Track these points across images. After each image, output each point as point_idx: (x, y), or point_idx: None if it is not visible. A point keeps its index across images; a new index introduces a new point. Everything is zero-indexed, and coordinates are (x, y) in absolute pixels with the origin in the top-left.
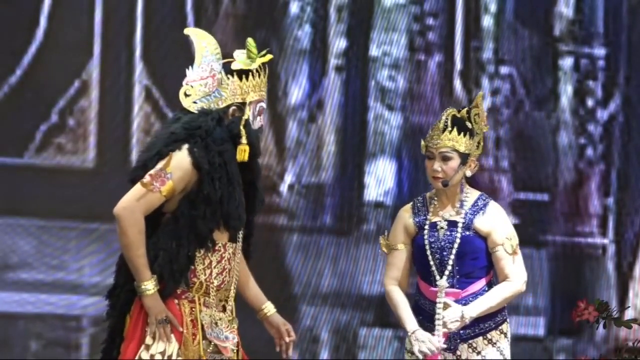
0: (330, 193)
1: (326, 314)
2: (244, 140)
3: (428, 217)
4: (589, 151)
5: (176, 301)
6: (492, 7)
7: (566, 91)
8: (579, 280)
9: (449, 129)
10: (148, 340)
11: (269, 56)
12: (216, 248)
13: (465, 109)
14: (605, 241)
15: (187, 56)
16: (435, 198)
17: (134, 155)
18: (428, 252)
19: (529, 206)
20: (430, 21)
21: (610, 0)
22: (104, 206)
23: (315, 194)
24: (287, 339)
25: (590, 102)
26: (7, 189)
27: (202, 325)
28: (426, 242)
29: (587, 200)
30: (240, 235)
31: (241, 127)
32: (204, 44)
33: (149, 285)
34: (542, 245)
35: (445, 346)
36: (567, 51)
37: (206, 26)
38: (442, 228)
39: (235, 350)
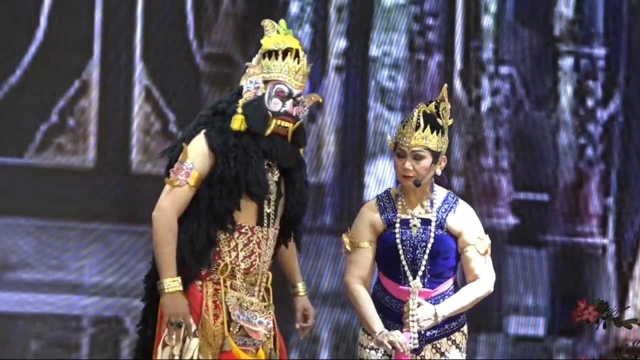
0: (330, 193)
1: (326, 314)
2: (239, 109)
3: (397, 214)
4: (589, 151)
5: (199, 282)
6: (492, 7)
7: (566, 91)
8: (579, 280)
9: (422, 126)
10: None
11: (294, 40)
12: (242, 231)
13: (433, 103)
14: (605, 241)
15: (187, 56)
16: (402, 196)
17: (134, 155)
18: (400, 250)
19: (529, 206)
20: (430, 21)
21: (610, 0)
22: (104, 206)
23: (315, 194)
24: (304, 325)
25: (590, 102)
26: (7, 189)
27: (227, 307)
28: (398, 239)
29: (587, 200)
30: (270, 219)
31: (243, 98)
32: (273, 35)
33: (167, 284)
34: (542, 245)
35: (417, 345)
36: (567, 51)
37: (206, 26)
38: (415, 226)
39: (268, 336)
